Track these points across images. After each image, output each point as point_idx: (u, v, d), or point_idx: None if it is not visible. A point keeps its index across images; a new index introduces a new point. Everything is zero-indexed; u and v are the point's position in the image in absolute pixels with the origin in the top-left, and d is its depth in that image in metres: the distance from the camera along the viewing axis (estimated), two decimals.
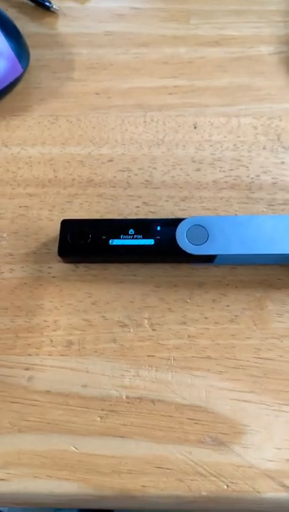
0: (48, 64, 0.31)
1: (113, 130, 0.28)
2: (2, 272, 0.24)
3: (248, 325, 0.23)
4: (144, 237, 0.23)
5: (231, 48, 0.31)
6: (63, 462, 0.20)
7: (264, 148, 0.28)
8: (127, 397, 0.21)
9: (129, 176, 0.27)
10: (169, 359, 0.22)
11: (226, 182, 0.26)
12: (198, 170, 0.27)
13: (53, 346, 0.23)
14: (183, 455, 0.20)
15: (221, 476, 0.20)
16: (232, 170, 0.27)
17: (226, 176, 0.27)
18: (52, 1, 0.33)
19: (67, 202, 0.26)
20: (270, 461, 0.20)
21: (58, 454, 0.20)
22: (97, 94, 0.30)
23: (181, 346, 0.22)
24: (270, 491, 0.20)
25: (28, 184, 0.27)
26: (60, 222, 0.24)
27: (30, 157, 0.28)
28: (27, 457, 0.20)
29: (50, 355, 0.22)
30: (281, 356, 0.22)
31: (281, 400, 0.21)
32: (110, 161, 0.27)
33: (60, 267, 0.24)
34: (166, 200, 0.26)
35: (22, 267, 0.24)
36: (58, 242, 0.24)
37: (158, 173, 0.27)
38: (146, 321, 0.23)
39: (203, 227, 0.23)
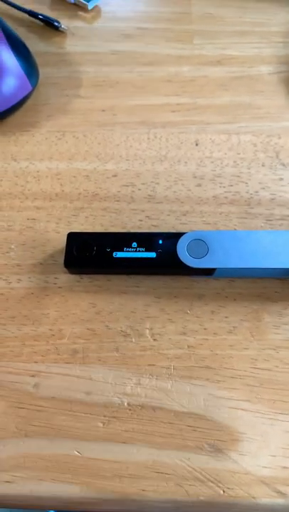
0: (56, 82, 0.32)
1: (118, 146, 0.30)
2: (10, 282, 0.25)
3: (246, 336, 0.24)
4: (146, 250, 0.24)
5: (233, 67, 0.33)
6: (67, 466, 0.21)
7: (263, 165, 0.29)
8: (128, 404, 0.22)
9: (132, 191, 0.28)
10: (169, 368, 0.23)
11: (225, 197, 0.28)
12: (199, 185, 0.28)
13: (58, 354, 0.24)
14: (182, 461, 0.21)
15: (218, 482, 0.21)
16: (232, 186, 0.28)
17: (225, 192, 0.28)
18: (60, 21, 0.35)
19: (73, 215, 0.27)
20: (266, 468, 0.21)
21: (62, 458, 0.21)
22: (103, 111, 0.31)
23: (181, 356, 0.23)
24: (265, 497, 0.20)
25: (35, 197, 0.28)
26: (66, 235, 0.25)
27: (38, 171, 0.29)
28: (32, 461, 0.21)
29: (55, 362, 0.23)
30: (277, 367, 0.23)
31: (277, 409, 0.22)
32: (115, 176, 0.29)
33: (65, 277, 0.25)
34: (168, 215, 0.27)
35: (29, 278, 0.25)
36: (64, 253, 0.25)
37: (161, 188, 0.28)
38: (147, 331, 0.24)
39: (203, 241, 0.24)
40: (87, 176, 0.29)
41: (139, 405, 0.22)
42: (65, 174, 0.29)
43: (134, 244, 0.25)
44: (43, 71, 0.32)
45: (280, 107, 0.31)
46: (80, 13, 0.36)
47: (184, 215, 0.27)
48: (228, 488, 0.21)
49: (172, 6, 0.36)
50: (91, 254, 0.24)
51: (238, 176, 0.28)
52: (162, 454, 0.21)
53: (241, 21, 0.35)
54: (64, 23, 0.35)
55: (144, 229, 0.27)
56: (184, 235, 0.24)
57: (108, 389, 0.23)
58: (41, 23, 0.35)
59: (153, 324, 0.24)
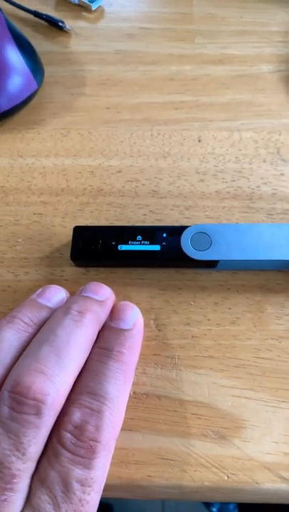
0: (61, 80, 0.33)
1: (122, 143, 0.30)
2: (17, 275, 0.26)
3: (249, 327, 0.24)
4: (150, 243, 0.25)
5: (234, 66, 0.33)
6: None
7: (264, 161, 0.29)
8: (134, 392, 0.23)
9: (136, 186, 0.29)
10: (173, 358, 0.24)
11: (228, 192, 0.28)
12: (202, 181, 0.29)
13: None
14: (186, 447, 0.22)
15: (222, 468, 0.21)
16: (234, 181, 0.28)
17: (228, 187, 0.28)
18: (65, 21, 0.35)
19: (79, 210, 0.28)
20: (269, 454, 0.21)
21: None
22: (108, 108, 0.32)
23: (185, 346, 0.24)
24: (268, 482, 0.21)
25: (42, 193, 0.28)
26: (72, 229, 0.26)
27: (44, 168, 0.29)
28: None
29: None
30: (279, 356, 0.23)
31: (279, 397, 0.22)
32: (119, 172, 0.29)
33: (71, 270, 0.26)
34: (172, 209, 0.28)
35: (36, 271, 0.26)
36: (70, 247, 0.25)
37: (164, 184, 0.29)
38: (152, 322, 0.24)
39: (206, 234, 0.24)
40: (92, 171, 0.29)
41: (145, 394, 0.23)
42: (70, 170, 0.29)
43: (139, 237, 0.25)
44: (47, 70, 0.33)
45: (281, 105, 0.31)
46: (84, 13, 0.37)
47: (187, 209, 0.28)
48: (232, 474, 0.21)
49: (174, 7, 0.37)
50: (97, 247, 0.25)
51: (240, 172, 0.29)
52: (167, 440, 0.22)
53: (242, 21, 0.36)
54: (68, 23, 0.35)
55: (148, 223, 0.27)
56: (188, 228, 0.24)
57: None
58: (46, 24, 0.36)
59: (157, 315, 0.25)
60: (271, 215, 0.27)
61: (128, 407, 0.22)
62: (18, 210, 0.28)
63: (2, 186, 0.29)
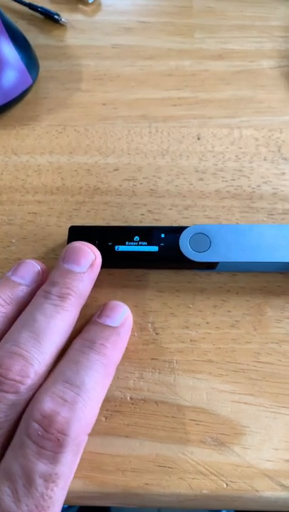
0: (56, 75, 0.32)
1: (119, 140, 0.29)
2: None
3: (248, 330, 0.24)
4: (148, 244, 0.24)
5: (234, 61, 0.33)
6: None
7: (265, 160, 0.28)
8: (131, 398, 0.22)
9: (134, 185, 0.28)
10: (171, 362, 0.23)
11: (227, 192, 0.27)
12: (201, 179, 0.28)
13: None
14: (185, 455, 0.21)
15: (221, 475, 0.21)
16: (234, 180, 0.28)
17: (227, 186, 0.28)
18: (60, 14, 0.34)
19: (75, 209, 0.27)
20: (269, 461, 0.21)
21: None
22: (104, 104, 0.31)
23: (183, 350, 0.23)
24: (268, 490, 0.20)
25: (36, 191, 0.28)
26: (67, 229, 0.25)
27: (38, 165, 0.29)
28: None
29: None
30: (280, 360, 0.23)
31: (279, 403, 0.22)
32: (116, 170, 0.28)
33: None
34: (170, 209, 0.27)
35: None
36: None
37: (162, 183, 0.28)
38: (149, 325, 0.24)
39: (205, 235, 0.24)
40: (89, 170, 0.28)
41: (142, 399, 0.22)
42: (66, 168, 0.28)
43: (136, 238, 0.24)
44: (43, 64, 0.32)
45: (282, 101, 0.31)
46: (80, 6, 0.36)
47: (186, 209, 0.27)
48: (231, 482, 0.21)
49: (173, 0, 0.36)
50: None
51: (240, 170, 0.28)
52: (165, 447, 0.21)
53: (242, 15, 0.35)
54: (64, 16, 0.34)
55: (146, 223, 0.27)
56: (187, 229, 0.24)
57: (110, 383, 0.22)
58: (41, 16, 0.35)
59: (155, 318, 0.24)
60: (272, 215, 0.27)
61: (125, 413, 0.22)
62: (12, 210, 0.27)
63: None
